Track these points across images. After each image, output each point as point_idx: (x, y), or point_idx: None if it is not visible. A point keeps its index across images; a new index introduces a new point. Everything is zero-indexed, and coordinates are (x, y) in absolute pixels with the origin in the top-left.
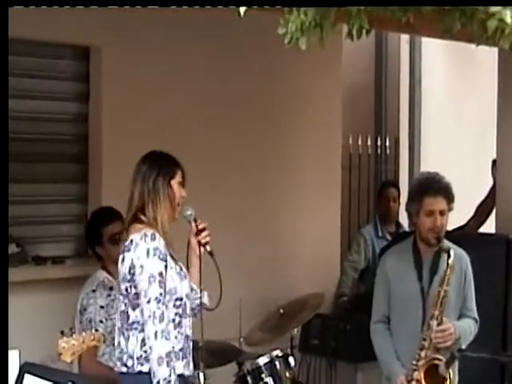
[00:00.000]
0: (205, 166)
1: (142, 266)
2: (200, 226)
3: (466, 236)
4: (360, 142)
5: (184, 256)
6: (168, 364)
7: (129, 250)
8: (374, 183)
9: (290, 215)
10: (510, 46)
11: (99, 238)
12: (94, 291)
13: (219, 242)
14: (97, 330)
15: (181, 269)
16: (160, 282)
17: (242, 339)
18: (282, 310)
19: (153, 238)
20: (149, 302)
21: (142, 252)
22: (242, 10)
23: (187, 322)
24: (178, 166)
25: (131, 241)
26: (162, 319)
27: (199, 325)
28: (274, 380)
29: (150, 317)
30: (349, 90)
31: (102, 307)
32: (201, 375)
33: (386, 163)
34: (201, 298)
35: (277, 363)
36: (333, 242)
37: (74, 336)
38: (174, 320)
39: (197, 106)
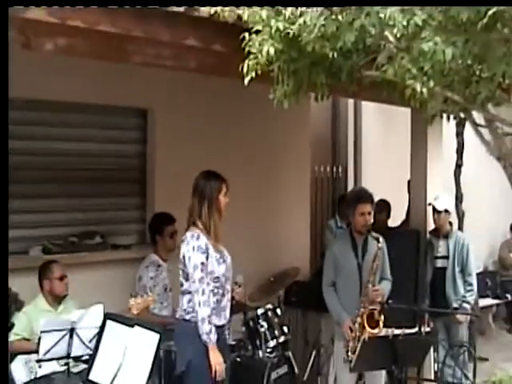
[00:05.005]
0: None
1: (189, 258)
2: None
3: (389, 231)
4: (322, 170)
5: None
6: (209, 322)
7: (184, 243)
8: (332, 198)
9: (278, 219)
10: (419, 105)
11: (162, 231)
12: (147, 267)
13: (232, 238)
14: (147, 293)
15: (220, 257)
16: (201, 268)
17: (247, 297)
18: (272, 279)
19: (197, 238)
20: (194, 282)
21: (190, 247)
22: (246, 80)
23: (224, 292)
24: (224, 181)
25: (186, 237)
26: (203, 293)
27: None
28: (267, 324)
29: (196, 291)
30: (315, 136)
31: (151, 278)
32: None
33: (339, 184)
34: None
35: (269, 313)
36: (305, 235)
37: (138, 297)
38: (213, 291)
39: (217, 145)
